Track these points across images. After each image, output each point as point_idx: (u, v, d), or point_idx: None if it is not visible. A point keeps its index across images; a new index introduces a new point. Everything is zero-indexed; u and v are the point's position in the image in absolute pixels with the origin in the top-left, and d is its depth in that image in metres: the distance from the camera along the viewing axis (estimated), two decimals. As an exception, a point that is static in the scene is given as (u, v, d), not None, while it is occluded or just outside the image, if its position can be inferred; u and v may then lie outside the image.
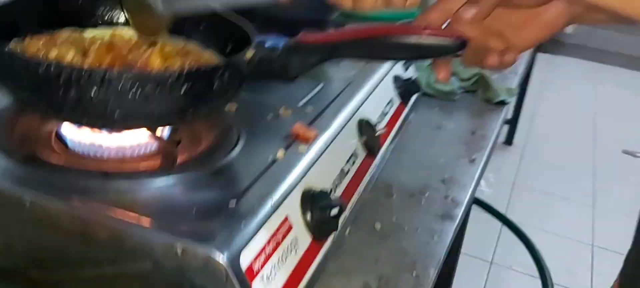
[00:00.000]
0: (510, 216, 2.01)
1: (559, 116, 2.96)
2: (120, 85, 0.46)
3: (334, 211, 0.53)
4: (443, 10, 0.49)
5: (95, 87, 0.46)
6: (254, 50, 0.57)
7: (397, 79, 0.88)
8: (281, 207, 0.51)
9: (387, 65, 0.88)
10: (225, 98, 0.54)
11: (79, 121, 0.51)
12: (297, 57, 0.52)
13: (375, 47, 0.49)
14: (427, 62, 1.10)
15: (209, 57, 0.63)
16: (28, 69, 0.47)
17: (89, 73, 0.45)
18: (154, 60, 0.58)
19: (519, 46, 0.54)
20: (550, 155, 2.57)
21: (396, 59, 0.79)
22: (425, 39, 0.47)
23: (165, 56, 0.61)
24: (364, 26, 0.50)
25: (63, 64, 0.46)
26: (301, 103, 0.70)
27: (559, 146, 2.65)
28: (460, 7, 0.48)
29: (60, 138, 0.55)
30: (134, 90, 0.46)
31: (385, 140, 0.77)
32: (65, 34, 0.61)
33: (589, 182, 2.42)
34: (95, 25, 0.64)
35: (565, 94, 3.20)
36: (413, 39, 0.47)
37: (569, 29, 4.40)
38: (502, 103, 1.02)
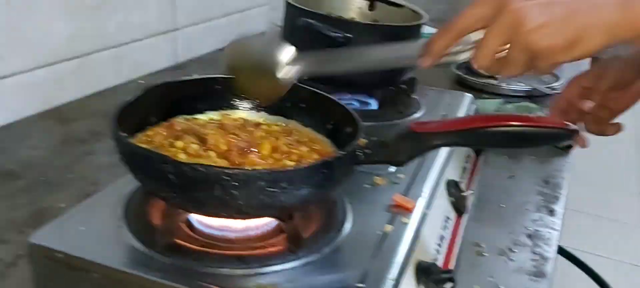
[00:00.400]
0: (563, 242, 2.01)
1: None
2: (257, 183, 0.50)
3: (449, 285, 0.56)
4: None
5: (230, 186, 0.50)
6: (367, 139, 0.60)
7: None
8: (400, 285, 0.54)
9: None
10: (340, 183, 0.58)
11: (211, 214, 0.55)
12: (409, 144, 0.56)
13: (486, 136, 0.52)
14: (493, 105, 1.14)
15: (312, 136, 0.67)
16: (164, 167, 0.51)
17: (229, 174, 0.50)
18: (265, 146, 0.62)
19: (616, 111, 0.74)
20: (596, 177, 2.56)
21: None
22: (538, 129, 0.50)
23: (274, 135, 0.65)
24: (474, 116, 0.54)
25: (203, 166, 0.50)
26: (391, 169, 0.74)
27: (604, 167, 2.64)
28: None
29: (188, 222, 0.59)
30: (268, 187, 0.50)
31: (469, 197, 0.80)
32: (181, 122, 0.66)
33: (637, 202, 2.41)
34: (203, 110, 0.69)
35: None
36: (527, 128, 0.50)
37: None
38: (569, 147, 1.04)
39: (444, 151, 0.80)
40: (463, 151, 0.86)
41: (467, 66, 1.43)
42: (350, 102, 0.97)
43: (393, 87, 0.96)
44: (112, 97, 1.15)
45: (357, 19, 1.04)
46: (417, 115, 0.94)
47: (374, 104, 0.97)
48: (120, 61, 1.22)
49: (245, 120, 0.68)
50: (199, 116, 0.69)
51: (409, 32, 0.92)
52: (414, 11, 0.98)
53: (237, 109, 0.71)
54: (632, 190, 2.48)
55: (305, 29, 0.85)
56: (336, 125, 0.66)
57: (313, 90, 0.67)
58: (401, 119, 0.92)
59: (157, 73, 1.30)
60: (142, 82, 1.24)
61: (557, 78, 1.35)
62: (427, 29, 1.58)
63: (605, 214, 2.31)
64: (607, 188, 2.47)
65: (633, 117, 0.76)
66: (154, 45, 1.30)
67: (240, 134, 0.64)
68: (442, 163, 0.77)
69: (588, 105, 0.74)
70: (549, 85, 1.31)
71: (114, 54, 1.20)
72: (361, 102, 0.98)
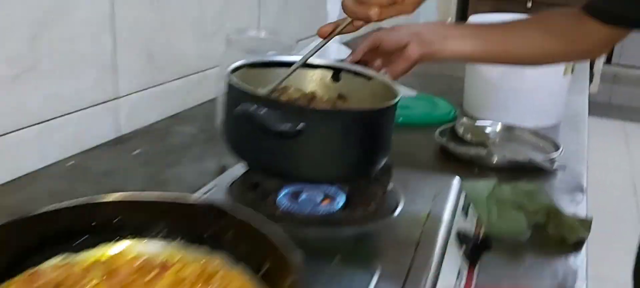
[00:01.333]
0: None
1: (598, 182, 2.78)
2: None
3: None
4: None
5: None
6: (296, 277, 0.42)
7: (463, 237, 0.73)
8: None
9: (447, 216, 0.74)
10: None
11: None
12: None
13: None
14: (485, 189, 0.96)
15: (239, 281, 0.48)
16: None
17: None
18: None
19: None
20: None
21: None
22: None
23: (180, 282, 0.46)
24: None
25: None
26: None
27: (602, 215, 2.47)
28: None
29: None
30: None
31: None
32: (51, 266, 0.47)
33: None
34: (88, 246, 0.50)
35: (599, 158, 3.03)
36: None
37: (594, 88, 4.29)
38: (580, 243, 0.86)
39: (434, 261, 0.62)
40: (450, 261, 0.68)
41: (452, 131, 1.26)
42: (314, 196, 0.79)
43: (364, 178, 0.78)
44: (32, 185, 0.96)
45: (319, 91, 0.86)
46: (394, 214, 0.76)
47: (340, 199, 0.78)
48: (46, 139, 1.03)
49: (147, 260, 0.49)
50: (81, 255, 0.50)
51: (380, 117, 0.74)
52: (386, 85, 0.81)
53: (141, 237, 0.52)
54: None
55: (247, 118, 0.67)
56: (273, 266, 0.48)
57: (241, 220, 0.48)
58: (374, 222, 0.74)
59: (94, 149, 1.11)
60: (73, 162, 1.05)
61: (556, 147, 1.18)
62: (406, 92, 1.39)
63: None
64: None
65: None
66: (90, 118, 1.11)
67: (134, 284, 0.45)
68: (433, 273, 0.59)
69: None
70: (549, 156, 1.14)
71: (39, 131, 1.01)
72: (326, 196, 0.80)
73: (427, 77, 1.59)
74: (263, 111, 0.63)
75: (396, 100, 0.76)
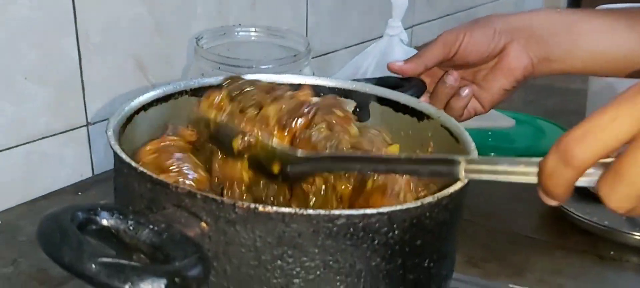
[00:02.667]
0: None
1: None
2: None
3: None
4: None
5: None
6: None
7: None
8: None
9: None
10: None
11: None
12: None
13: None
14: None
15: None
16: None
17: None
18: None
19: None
20: None
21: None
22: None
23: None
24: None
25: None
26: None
27: None
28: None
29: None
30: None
31: None
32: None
33: None
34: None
35: None
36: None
37: None
38: None
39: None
40: None
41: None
42: None
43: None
44: None
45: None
46: None
47: None
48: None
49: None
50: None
51: (426, 222, 0.35)
52: (455, 133, 0.42)
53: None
54: None
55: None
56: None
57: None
58: None
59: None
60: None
61: None
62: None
63: None
64: None
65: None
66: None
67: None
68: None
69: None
70: None
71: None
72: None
73: (529, 90, 1.16)
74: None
75: (462, 183, 0.37)
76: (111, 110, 0.83)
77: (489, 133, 0.99)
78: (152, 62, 0.88)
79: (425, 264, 0.40)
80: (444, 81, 0.64)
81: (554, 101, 1.16)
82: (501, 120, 0.99)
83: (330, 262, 0.37)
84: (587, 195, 0.80)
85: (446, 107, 0.64)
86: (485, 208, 0.78)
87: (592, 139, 0.34)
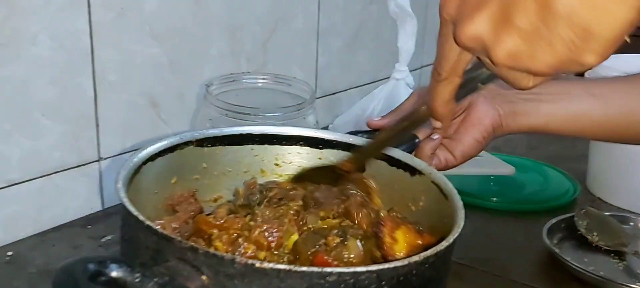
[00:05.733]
0: None
1: None
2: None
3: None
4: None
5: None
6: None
7: None
8: None
9: None
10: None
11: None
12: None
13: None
14: None
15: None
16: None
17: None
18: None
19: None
20: None
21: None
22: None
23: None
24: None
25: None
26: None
27: None
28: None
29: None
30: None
31: None
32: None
33: None
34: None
35: None
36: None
37: None
38: None
39: None
40: None
41: (570, 226, 0.85)
42: None
43: None
44: None
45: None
46: None
47: None
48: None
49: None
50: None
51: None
52: (441, 189, 0.44)
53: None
54: None
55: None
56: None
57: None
58: None
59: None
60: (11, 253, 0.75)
61: None
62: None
63: None
64: None
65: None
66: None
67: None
68: None
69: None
70: None
71: None
72: None
73: (533, 136, 1.17)
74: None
75: (447, 242, 0.39)
76: (123, 145, 0.86)
77: (491, 178, 1.01)
78: (165, 100, 0.91)
79: (414, 319, 0.42)
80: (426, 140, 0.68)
81: (556, 147, 1.18)
82: (501, 167, 1.01)
83: (323, 316, 0.39)
84: (584, 245, 0.82)
85: (417, 151, 0.67)
86: (483, 254, 0.80)
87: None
